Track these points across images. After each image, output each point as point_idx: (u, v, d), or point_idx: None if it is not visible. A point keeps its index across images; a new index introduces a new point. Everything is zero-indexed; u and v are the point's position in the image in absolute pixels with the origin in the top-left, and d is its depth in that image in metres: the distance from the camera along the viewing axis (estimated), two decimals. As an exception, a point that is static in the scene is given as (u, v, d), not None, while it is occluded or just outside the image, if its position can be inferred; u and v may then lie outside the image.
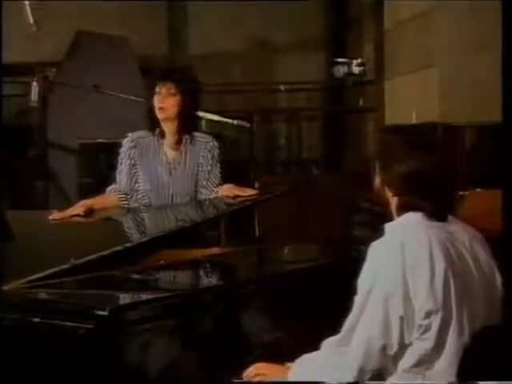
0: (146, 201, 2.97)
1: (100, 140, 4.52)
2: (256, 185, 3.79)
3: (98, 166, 4.39)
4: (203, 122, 3.68)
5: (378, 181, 1.80)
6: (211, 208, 2.96)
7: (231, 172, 3.09)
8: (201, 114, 3.57)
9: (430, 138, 1.77)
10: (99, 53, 5.10)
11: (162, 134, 2.97)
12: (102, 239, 2.48)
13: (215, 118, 3.77)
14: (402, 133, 1.80)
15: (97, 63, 5.01)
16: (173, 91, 2.88)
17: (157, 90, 2.89)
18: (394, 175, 1.73)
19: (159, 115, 2.90)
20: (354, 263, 1.77)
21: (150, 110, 2.93)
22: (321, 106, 6.41)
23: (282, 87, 6.20)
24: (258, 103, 5.81)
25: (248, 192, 2.94)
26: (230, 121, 3.85)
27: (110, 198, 2.98)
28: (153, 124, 2.96)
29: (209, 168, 3.00)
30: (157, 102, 2.88)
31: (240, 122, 3.91)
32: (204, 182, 3.00)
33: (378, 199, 1.81)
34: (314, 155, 6.37)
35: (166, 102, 2.88)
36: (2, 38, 4.41)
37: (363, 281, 1.69)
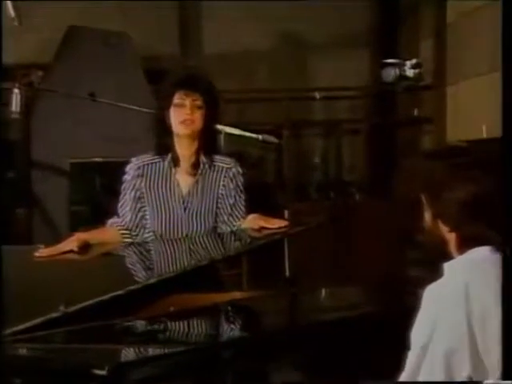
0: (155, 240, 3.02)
1: (96, 159, 4.60)
2: (286, 214, 3.82)
3: (94, 191, 4.44)
4: (221, 137, 3.73)
5: (428, 216, 1.81)
6: (232, 243, 2.99)
7: (255, 198, 3.12)
8: (218, 127, 3.64)
9: (485, 155, 1.79)
10: (95, 53, 5.21)
11: (176, 160, 3.01)
12: (99, 281, 2.51)
13: (235, 131, 3.81)
14: (449, 154, 1.82)
15: (92, 66, 5.14)
16: (199, 103, 2.92)
17: (177, 100, 2.91)
18: (448, 205, 1.74)
19: (182, 130, 2.92)
20: (407, 311, 1.78)
21: (162, 125, 2.95)
22: (366, 116, 6.46)
23: (317, 94, 6.28)
24: (287, 114, 5.92)
25: (276, 223, 2.96)
26: (253, 135, 3.89)
27: (109, 231, 3.03)
28: (163, 145, 2.98)
29: (231, 201, 3.02)
30: (179, 114, 2.89)
31: (266, 137, 3.94)
32: (225, 218, 3.02)
33: (431, 237, 1.81)
34: (357, 177, 6.41)
35: (192, 115, 2.91)
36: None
37: (418, 333, 1.69)
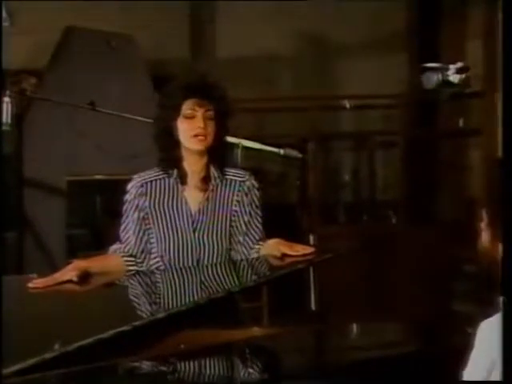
0: (162, 267, 3.01)
1: (96, 177, 4.60)
2: (311, 239, 3.81)
3: (94, 213, 4.44)
4: (238, 151, 3.74)
5: (487, 235, 1.80)
6: (250, 272, 2.98)
7: (277, 221, 3.11)
8: (235, 140, 3.64)
9: None
10: (95, 57, 5.24)
11: (183, 176, 3.02)
12: (100, 315, 2.50)
13: (254, 145, 3.81)
14: None
15: (92, 71, 5.16)
16: (211, 114, 2.92)
17: (187, 111, 2.91)
18: None
19: (194, 145, 2.91)
20: (454, 351, 1.76)
21: (167, 137, 2.95)
22: (403, 128, 6.44)
23: (347, 103, 6.31)
24: (313, 125, 5.91)
25: (300, 250, 2.95)
26: (274, 150, 3.89)
27: (112, 259, 3.02)
28: (169, 160, 2.98)
29: (246, 218, 3.02)
30: (190, 126, 2.88)
31: (289, 152, 3.94)
32: (241, 238, 3.02)
33: (487, 259, 1.80)
34: (393, 197, 6.39)
35: (206, 129, 2.92)
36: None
37: (470, 377, 1.67)
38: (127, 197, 3.05)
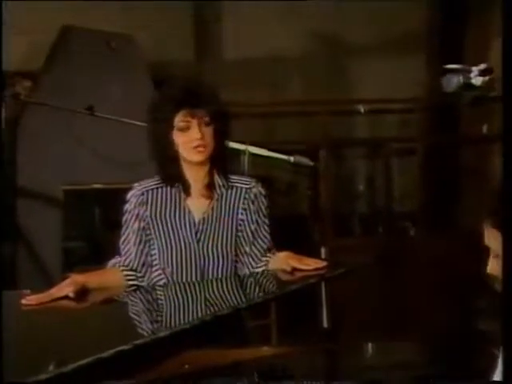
0: (164, 280, 3.01)
1: (94, 186, 4.59)
2: (323, 252, 3.80)
3: (92, 224, 4.44)
4: (244, 158, 3.74)
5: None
6: (258, 287, 2.97)
7: (286, 233, 3.11)
8: (241, 146, 3.64)
9: None
10: (94, 59, 5.24)
11: (186, 187, 3.02)
12: (99, 333, 2.50)
13: (262, 152, 3.81)
14: None
15: (90, 74, 5.17)
16: (207, 120, 2.92)
17: (181, 123, 2.89)
18: None
19: (195, 157, 2.91)
20: (478, 373, 1.74)
21: (164, 150, 2.94)
22: (421, 134, 6.44)
23: (361, 108, 6.31)
24: (325, 131, 5.89)
25: (312, 264, 2.95)
26: (283, 157, 3.89)
27: (111, 274, 3.02)
28: (170, 175, 2.98)
29: (253, 227, 3.03)
30: (187, 139, 2.87)
31: (299, 159, 3.94)
32: (247, 248, 3.02)
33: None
34: (411, 207, 6.38)
35: (205, 138, 2.91)
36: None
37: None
38: (127, 206, 3.06)
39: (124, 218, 3.06)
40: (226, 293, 2.96)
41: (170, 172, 3.01)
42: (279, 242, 3.08)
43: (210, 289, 2.95)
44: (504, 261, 1.77)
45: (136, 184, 3.08)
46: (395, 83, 6.35)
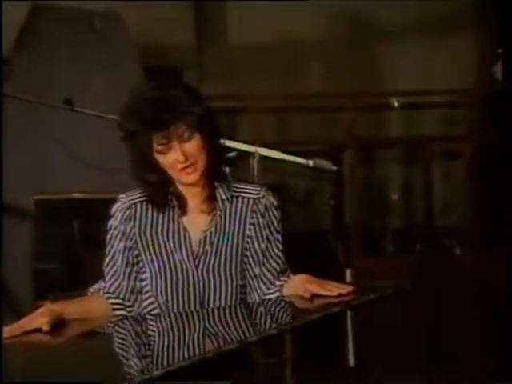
0: (157, 310, 3.01)
1: (73, 195, 4.59)
2: (349, 275, 3.81)
3: (69, 241, 4.44)
4: (254, 163, 3.75)
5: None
6: (270, 317, 2.98)
7: (304, 251, 3.12)
8: (250, 148, 3.66)
9: None
10: (74, 42, 5.27)
11: (182, 203, 3.03)
12: (79, 373, 2.50)
13: (275, 154, 3.82)
14: None
15: (70, 60, 5.20)
16: (189, 134, 2.91)
17: (158, 147, 2.88)
18: None
19: (184, 179, 2.91)
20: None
21: (149, 173, 2.94)
22: (468, 132, 6.42)
23: (394, 101, 6.34)
24: (351, 129, 5.94)
25: (334, 289, 2.94)
26: (301, 160, 3.90)
27: (94, 302, 3.02)
28: (159, 195, 2.98)
29: (263, 245, 3.04)
30: (171, 163, 2.85)
31: (319, 163, 3.95)
32: (257, 270, 3.03)
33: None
34: (456, 221, 6.39)
35: (190, 157, 2.90)
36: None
37: None
38: (112, 222, 3.06)
39: (108, 236, 3.06)
40: (232, 324, 2.96)
41: (159, 193, 3.03)
42: (295, 262, 3.09)
43: (213, 319, 2.96)
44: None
45: (122, 195, 3.07)
46: (436, 72, 6.37)
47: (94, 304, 3.03)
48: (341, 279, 3.30)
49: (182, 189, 3.02)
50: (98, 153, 5.01)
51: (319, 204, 5.58)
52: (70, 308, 2.94)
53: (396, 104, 6.37)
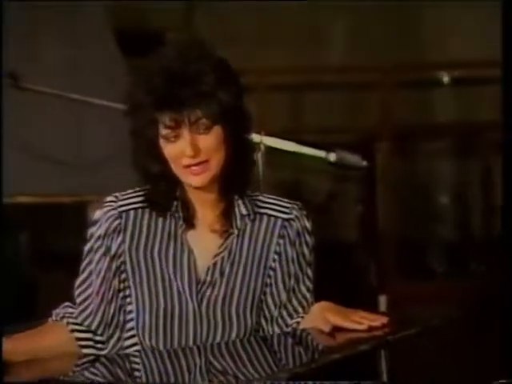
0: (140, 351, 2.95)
1: (20, 198, 4.65)
2: (382, 301, 3.81)
3: (18, 258, 4.49)
4: (258, 156, 3.75)
5: None
6: (283, 356, 2.97)
7: (324, 271, 3.12)
8: (254, 137, 3.65)
9: None
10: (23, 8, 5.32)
11: (188, 214, 3.02)
12: None
13: (286, 146, 3.84)
14: None
15: (19, 25, 5.20)
16: (206, 123, 2.87)
17: (163, 129, 2.86)
18: None
19: (191, 180, 2.86)
20: None
21: (153, 164, 2.91)
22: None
23: (443, 76, 6.37)
24: (385, 113, 6.00)
25: (363, 320, 2.94)
26: (319, 153, 3.92)
27: (54, 333, 2.99)
28: (162, 195, 2.94)
29: (290, 283, 2.97)
30: (175, 154, 2.83)
31: (344, 157, 3.97)
32: (275, 313, 3.01)
33: None
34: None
35: (202, 154, 2.86)
36: None
37: None
38: (93, 230, 3.01)
39: (87, 247, 3.02)
40: (239, 362, 2.96)
41: (162, 191, 3.00)
42: (316, 286, 3.08)
43: (217, 353, 2.96)
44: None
45: (110, 198, 3.02)
46: (495, 39, 6.38)
47: (51, 338, 2.99)
48: (373, 307, 3.29)
49: (191, 194, 2.99)
50: (56, 144, 5.02)
51: (344, 210, 5.60)
52: (22, 344, 2.91)
53: (445, 79, 6.37)
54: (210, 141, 2.88)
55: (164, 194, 2.99)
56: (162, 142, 2.90)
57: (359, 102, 6.18)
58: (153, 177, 2.97)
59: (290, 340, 3.01)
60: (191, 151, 2.85)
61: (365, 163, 4.02)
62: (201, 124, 2.85)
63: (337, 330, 2.95)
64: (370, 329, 2.94)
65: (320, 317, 2.98)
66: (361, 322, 2.94)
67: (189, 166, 2.87)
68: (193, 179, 2.88)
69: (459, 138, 6.54)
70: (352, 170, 4.17)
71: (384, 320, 2.95)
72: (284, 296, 3.01)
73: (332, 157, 3.93)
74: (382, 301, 3.88)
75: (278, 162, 3.81)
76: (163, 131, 2.84)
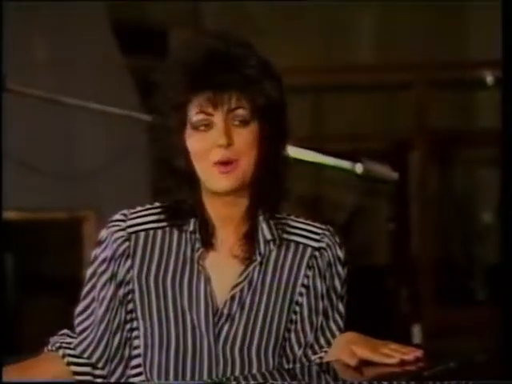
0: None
1: (8, 214, 4.67)
2: (416, 332, 3.82)
3: (2, 282, 4.52)
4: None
5: None
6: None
7: (351, 297, 3.11)
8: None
9: None
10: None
11: (207, 233, 2.90)
12: None
13: (305, 155, 3.86)
14: None
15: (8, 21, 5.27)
16: (245, 116, 2.84)
17: (195, 116, 2.82)
18: None
19: (217, 182, 2.80)
20: None
21: (172, 170, 2.89)
22: None
23: (487, 76, 6.34)
24: (420, 118, 6.02)
25: (394, 353, 2.93)
26: (344, 164, 3.93)
27: (48, 365, 2.98)
28: (178, 206, 2.90)
29: (317, 321, 2.92)
30: (204, 144, 2.80)
31: (372, 168, 3.99)
32: (299, 352, 2.94)
33: None
34: None
35: (237, 148, 2.81)
36: None
37: None
38: (99, 252, 2.98)
39: (90, 271, 2.99)
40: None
41: (180, 201, 2.98)
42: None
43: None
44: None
45: (118, 216, 2.98)
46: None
47: (46, 370, 3.00)
48: (406, 339, 3.29)
49: (211, 210, 2.95)
50: (47, 154, 5.05)
51: (373, 229, 5.60)
52: (10, 377, 2.94)
53: (489, 79, 6.38)
54: (245, 136, 2.84)
55: (184, 202, 2.94)
56: (188, 133, 2.84)
57: (390, 104, 6.19)
58: (178, 175, 2.94)
59: (311, 375, 3.02)
60: (225, 140, 2.81)
61: (396, 175, 4.03)
62: (238, 115, 2.81)
63: (364, 364, 2.96)
64: (402, 363, 2.93)
65: (345, 349, 2.93)
66: (392, 355, 2.91)
67: (218, 164, 2.80)
68: (220, 180, 2.76)
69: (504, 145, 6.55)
70: (381, 183, 4.18)
71: (418, 353, 2.93)
72: (310, 335, 2.96)
73: (358, 168, 3.94)
74: (416, 331, 3.88)
75: (296, 173, 3.81)
76: (194, 117, 2.78)
